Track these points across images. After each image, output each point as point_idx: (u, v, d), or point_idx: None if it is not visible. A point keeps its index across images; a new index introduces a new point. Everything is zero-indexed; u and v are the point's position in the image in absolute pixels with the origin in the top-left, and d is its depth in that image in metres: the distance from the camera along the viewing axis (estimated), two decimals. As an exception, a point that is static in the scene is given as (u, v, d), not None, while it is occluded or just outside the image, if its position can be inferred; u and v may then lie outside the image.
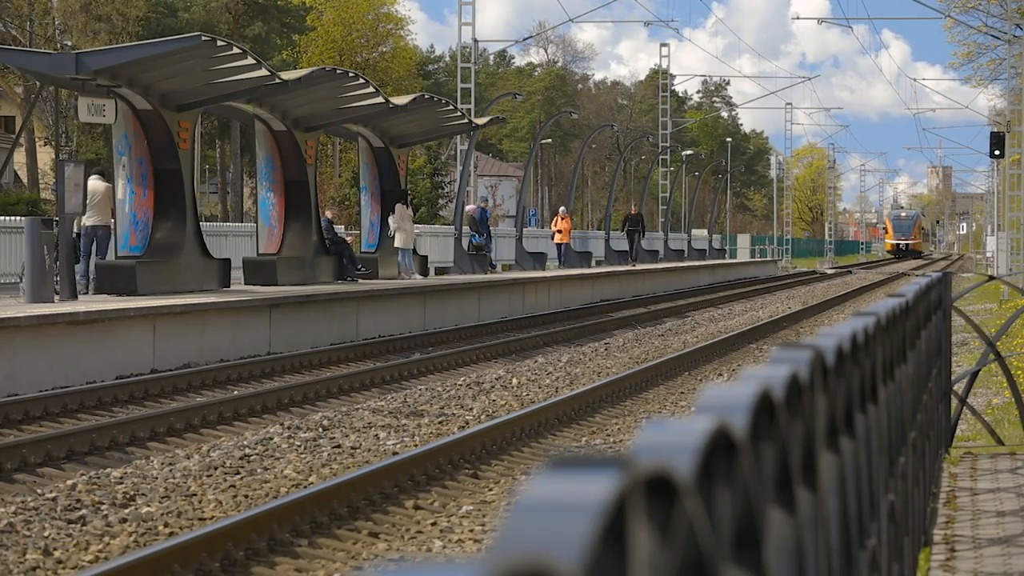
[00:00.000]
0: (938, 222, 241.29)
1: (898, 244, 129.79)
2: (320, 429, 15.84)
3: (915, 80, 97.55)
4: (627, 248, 56.00)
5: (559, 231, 50.18)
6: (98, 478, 12.51)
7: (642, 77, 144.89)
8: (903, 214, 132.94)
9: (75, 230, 27.01)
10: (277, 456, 14.03)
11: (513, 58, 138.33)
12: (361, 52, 78.47)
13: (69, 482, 12.26)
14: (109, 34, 61.19)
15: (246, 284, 28.76)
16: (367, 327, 28.11)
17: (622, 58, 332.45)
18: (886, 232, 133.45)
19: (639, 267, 52.28)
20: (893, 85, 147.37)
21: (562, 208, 51.67)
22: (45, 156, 72.72)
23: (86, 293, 24.60)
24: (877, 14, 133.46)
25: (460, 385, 20.19)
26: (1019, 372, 17.59)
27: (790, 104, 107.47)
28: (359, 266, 32.86)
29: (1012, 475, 11.51)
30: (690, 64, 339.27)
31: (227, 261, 27.61)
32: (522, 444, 15.34)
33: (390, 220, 34.32)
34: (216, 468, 13.23)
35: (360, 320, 28.02)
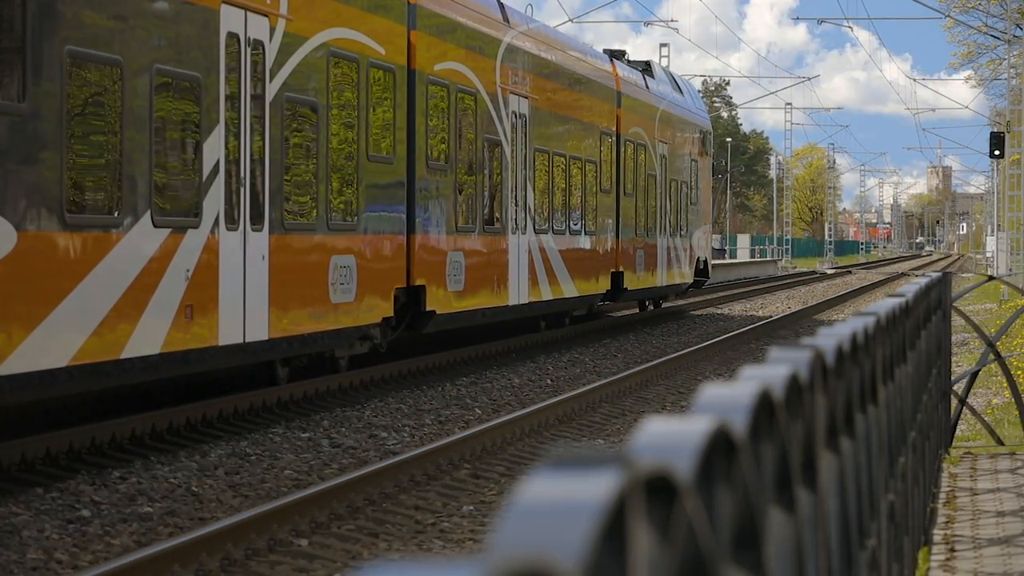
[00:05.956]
0: (938, 222, 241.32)
1: None
2: (320, 429, 15.83)
3: (915, 80, 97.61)
4: None
5: None
6: (98, 478, 12.51)
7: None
8: None
9: None
10: (277, 456, 14.03)
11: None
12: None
13: (69, 482, 12.26)
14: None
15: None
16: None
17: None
18: None
19: None
20: (894, 85, 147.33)
21: None
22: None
23: None
24: (849, 13, 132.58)
25: (461, 385, 20.18)
26: (1019, 372, 17.59)
27: (790, 104, 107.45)
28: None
29: (1012, 475, 11.51)
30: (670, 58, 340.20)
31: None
32: (522, 444, 15.34)
33: None
34: (216, 468, 13.23)
35: (360, 320, 27.99)
